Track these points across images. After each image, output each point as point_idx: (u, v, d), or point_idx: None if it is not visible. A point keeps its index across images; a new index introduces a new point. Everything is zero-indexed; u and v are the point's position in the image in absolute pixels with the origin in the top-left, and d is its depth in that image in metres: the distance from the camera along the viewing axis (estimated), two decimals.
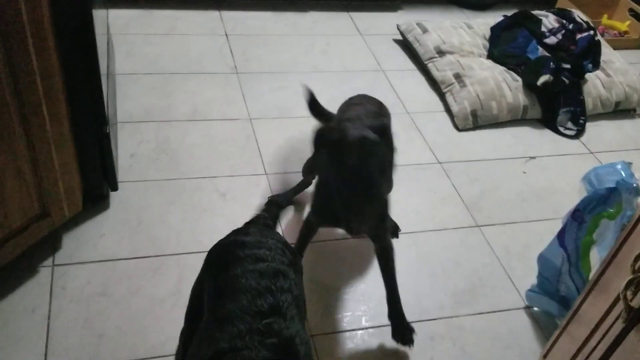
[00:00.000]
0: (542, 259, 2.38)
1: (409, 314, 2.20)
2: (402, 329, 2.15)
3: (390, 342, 2.19)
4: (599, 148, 3.55)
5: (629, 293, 1.20)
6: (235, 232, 1.72)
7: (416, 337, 2.16)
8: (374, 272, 2.39)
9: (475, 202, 2.97)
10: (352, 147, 1.81)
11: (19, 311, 2.13)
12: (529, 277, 2.51)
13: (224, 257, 1.59)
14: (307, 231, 2.28)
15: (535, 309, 2.47)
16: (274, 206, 2.03)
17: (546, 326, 2.39)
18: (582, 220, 2.19)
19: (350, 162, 1.82)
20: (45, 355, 2.02)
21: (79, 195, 2.33)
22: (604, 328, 1.53)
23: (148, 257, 2.42)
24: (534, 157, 3.37)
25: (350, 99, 2.47)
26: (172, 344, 2.07)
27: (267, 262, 1.53)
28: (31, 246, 2.19)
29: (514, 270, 2.64)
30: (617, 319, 1.44)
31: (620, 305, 1.44)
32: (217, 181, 2.82)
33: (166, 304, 2.25)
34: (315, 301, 2.34)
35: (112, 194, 2.63)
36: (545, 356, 1.98)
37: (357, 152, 1.81)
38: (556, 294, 2.33)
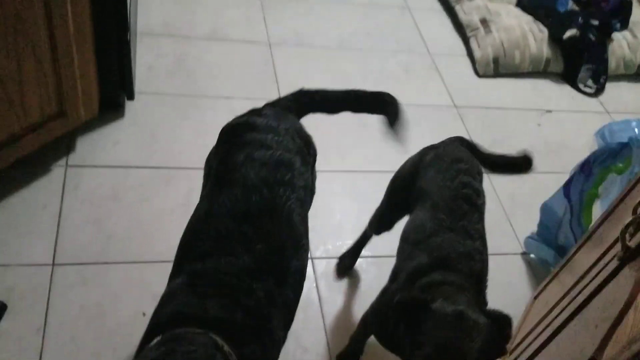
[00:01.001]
0: (545, 208, 2.42)
1: None
2: None
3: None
4: (616, 109, 3.52)
5: (627, 234, 1.23)
6: (250, 112, 1.60)
7: None
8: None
9: (487, 149, 2.98)
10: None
11: (31, 206, 2.19)
12: (530, 225, 2.55)
13: (232, 140, 1.49)
14: None
15: (532, 256, 2.52)
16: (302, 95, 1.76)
17: (540, 273, 2.44)
18: (589, 172, 2.21)
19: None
20: (55, 250, 2.10)
21: (96, 100, 2.35)
22: (590, 276, 1.58)
23: (159, 167, 2.47)
24: (550, 111, 3.36)
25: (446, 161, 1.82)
26: None
27: (272, 149, 1.41)
28: (46, 145, 2.23)
29: (516, 218, 2.68)
30: (605, 266, 1.48)
31: (610, 255, 1.49)
32: (232, 102, 2.83)
33: (174, 214, 2.31)
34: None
35: (128, 104, 2.65)
36: (535, 298, 2.04)
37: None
38: (554, 242, 2.37)
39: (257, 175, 1.36)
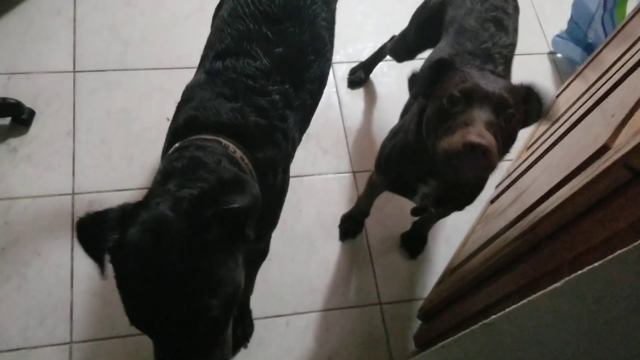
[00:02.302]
0: (578, 3, 2.29)
1: None
2: None
3: None
4: None
5: None
6: None
7: None
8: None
9: None
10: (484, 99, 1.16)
11: (44, 11, 2.16)
12: (559, 23, 2.43)
13: None
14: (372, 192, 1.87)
15: (559, 55, 2.44)
16: None
17: (565, 73, 2.39)
18: None
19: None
20: (74, 57, 2.10)
21: None
22: (614, 69, 1.53)
23: None
24: None
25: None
26: (197, 57, 2.13)
27: None
28: None
29: (545, 15, 2.55)
30: (630, 58, 1.43)
31: (636, 47, 1.42)
32: None
33: (191, 19, 2.26)
34: None
35: None
36: (558, 96, 2.02)
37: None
38: (583, 40, 2.28)
39: None
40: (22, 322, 1.69)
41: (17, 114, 1.92)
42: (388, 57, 2.27)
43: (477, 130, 1.08)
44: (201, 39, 2.02)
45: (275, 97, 1.24)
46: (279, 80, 1.25)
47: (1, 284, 1.72)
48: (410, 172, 1.43)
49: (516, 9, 1.65)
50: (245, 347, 1.76)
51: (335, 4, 1.50)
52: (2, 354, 1.65)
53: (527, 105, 1.23)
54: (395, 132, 1.55)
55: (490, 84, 1.17)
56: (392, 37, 2.12)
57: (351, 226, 2.00)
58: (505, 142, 1.19)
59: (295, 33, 1.28)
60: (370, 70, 2.30)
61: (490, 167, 1.11)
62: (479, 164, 1.08)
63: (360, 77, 2.30)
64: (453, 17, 1.60)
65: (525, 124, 1.25)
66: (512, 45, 1.56)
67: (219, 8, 1.70)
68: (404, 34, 1.95)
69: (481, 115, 1.13)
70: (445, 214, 1.78)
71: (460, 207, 1.54)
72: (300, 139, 1.42)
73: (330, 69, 2.32)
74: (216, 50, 1.30)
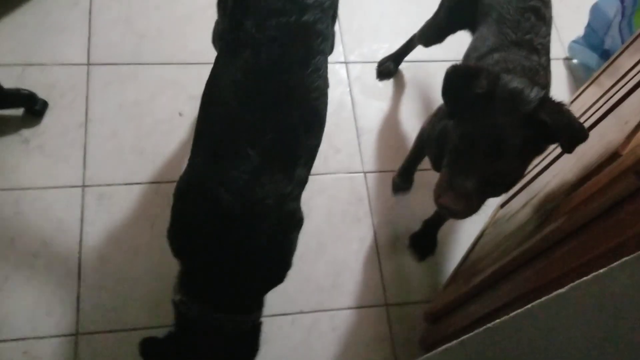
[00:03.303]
0: (596, 9, 2.27)
1: None
2: None
3: None
4: None
5: None
6: None
7: None
8: None
9: None
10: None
11: (61, 3, 2.17)
12: (576, 29, 2.41)
13: None
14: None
15: (575, 61, 2.42)
16: None
17: (580, 79, 2.37)
18: None
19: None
20: (89, 48, 2.11)
21: None
22: (630, 76, 1.52)
23: None
24: None
25: None
26: (211, 53, 2.13)
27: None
28: None
29: (562, 21, 2.52)
30: None
31: None
32: None
33: (206, 14, 2.24)
34: None
35: None
36: (572, 102, 2.00)
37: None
38: (600, 47, 2.26)
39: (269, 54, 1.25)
40: (30, 312, 1.70)
41: (31, 105, 1.94)
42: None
43: (456, 194, 1.25)
44: None
45: (269, 202, 1.21)
46: (269, 179, 1.21)
47: (10, 274, 1.74)
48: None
49: None
50: None
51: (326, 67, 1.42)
52: (9, 342, 1.66)
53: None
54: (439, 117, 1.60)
55: (502, 123, 1.20)
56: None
57: (401, 182, 2.02)
58: (507, 179, 1.30)
59: (287, 116, 1.24)
60: (399, 62, 2.30)
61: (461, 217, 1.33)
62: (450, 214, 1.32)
63: (389, 68, 2.29)
64: (490, 3, 1.60)
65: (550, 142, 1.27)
66: (549, 34, 1.57)
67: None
68: (434, 16, 1.94)
69: (474, 171, 1.23)
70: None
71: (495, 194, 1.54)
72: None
73: (345, 69, 2.33)
74: (203, 151, 1.26)
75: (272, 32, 1.25)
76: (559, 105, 1.21)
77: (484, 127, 1.21)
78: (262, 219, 1.20)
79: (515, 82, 1.23)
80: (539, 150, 1.27)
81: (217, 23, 1.65)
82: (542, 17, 1.54)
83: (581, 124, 1.21)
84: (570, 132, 1.18)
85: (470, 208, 1.27)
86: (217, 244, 1.20)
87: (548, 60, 1.53)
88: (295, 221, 1.31)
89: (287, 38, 1.26)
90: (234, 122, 1.23)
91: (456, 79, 1.28)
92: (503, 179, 1.28)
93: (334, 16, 1.50)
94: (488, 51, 1.51)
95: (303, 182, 1.31)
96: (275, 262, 1.29)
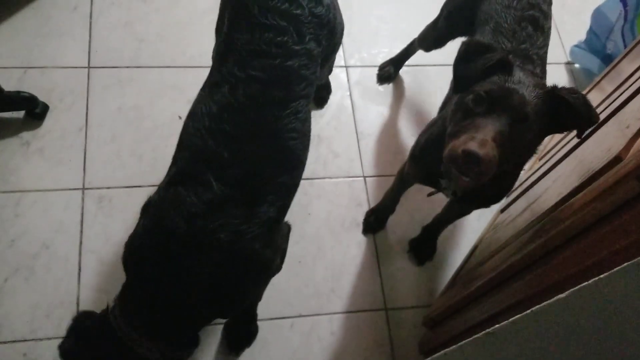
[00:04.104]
0: (597, 14, 2.27)
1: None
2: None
3: None
4: None
5: None
6: None
7: None
8: None
9: None
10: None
11: (61, 7, 2.17)
12: (578, 34, 2.41)
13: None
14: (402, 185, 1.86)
15: (577, 65, 2.42)
16: None
17: (582, 84, 2.36)
18: None
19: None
20: (89, 52, 2.11)
21: None
22: (631, 80, 1.52)
23: None
24: None
25: None
26: (209, 57, 2.13)
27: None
28: None
29: (564, 25, 2.53)
30: None
31: None
32: None
33: (206, 18, 2.26)
34: None
35: None
36: None
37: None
38: (602, 51, 2.26)
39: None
40: (29, 314, 1.70)
41: (31, 107, 1.94)
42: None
43: (481, 139, 1.12)
44: (214, 39, 2.03)
45: (221, 236, 1.17)
46: (231, 212, 1.18)
47: (9, 276, 1.73)
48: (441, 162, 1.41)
49: (549, 3, 1.63)
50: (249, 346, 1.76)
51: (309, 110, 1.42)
52: (9, 344, 1.66)
53: (565, 115, 1.19)
54: (432, 124, 1.56)
55: (523, 90, 1.16)
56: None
57: (375, 222, 2.00)
58: (520, 152, 1.22)
59: (258, 153, 1.23)
60: (400, 67, 2.29)
61: (483, 175, 1.14)
62: (472, 171, 1.13)
63: (389, 72, 2.29)
64: (488, 11, 1.59)
65: (562, 129, 1.25)
66: (546, 45, 1.55)
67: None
68: (434, 21, 1.94)
69: (495, 124, 1.14)
70: (468, 210, 1.78)
71: (486, 204, 1.54)
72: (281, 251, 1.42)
73: (345, 73, 2.33)
74: (171, 173, 1.26)
75: (253, 71, 1.25)
76: (573, 89, 1.20)
77: (506, 89, 1.17)
78: (209, 252, 1.17)
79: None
80: (550, 131, 1.23)
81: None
82: (540, 27, 1.53)
83: (593, 107, 1.18)
84: (588, 112, 1.16)
85: (494, 158, 1.12)
86: (160, 266, 1.18)
87: (544, 71, 1.51)
88: (257, 263, 1.25)
89: (267, 79, 1.25)
90: (203, 151, 1.21)
91: (473, 48, 1.26)
92: (516, 152, 1.19)
93: (336, 45, 1.51)
94: None
95: (269, 222, 1.25)
96: (216, 299, 1.22)
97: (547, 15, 1.58)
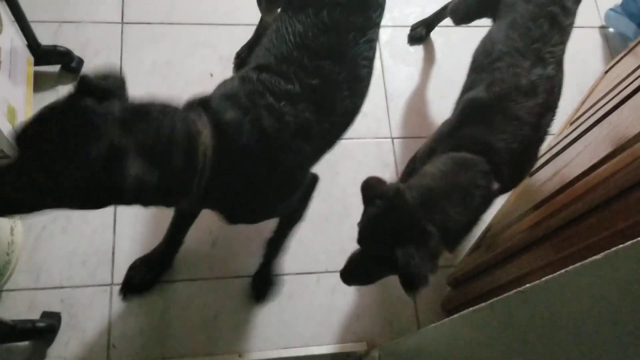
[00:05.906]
0: None
1: None
2: None
3: None
4: None
5: None
6: None
7: None
8: None
9: None
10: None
11: None
12: None
13: None
14: None
15: (611, 30, 2.37)
16: None
17: (616, 48, 2.33)
18: None
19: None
20: (122, 7, 2.13)
21: None
22: None
23: None
24: None
25: None
26: (242, 14, 2.13)
27: None
28: None
29: None
30: None
31: None
32: None
33: None
34: None
35: None
36: (606, 72, 1.98)
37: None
38: (638, 15, 2.22)
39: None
40: (66, 261, 1.76)
41: (67, 62, 1.97)
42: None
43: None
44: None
45: (289, 119, 1.24)
46: (301, 109, 1.26)
47: (47, 224, 1.79)
48: None
49: (576, 1, 1.56)
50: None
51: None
52: (46, 290, 1.72)
53: None
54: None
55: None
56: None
57: None
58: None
59: (334, 71, 1.31)
60: (432, 28, 2.27)
61: None
62: None
63: (421, 33, 2.27)
64: (512, 3, 1.54)
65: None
66: (564, 43, 1.50)
67: None
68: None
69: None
70: None
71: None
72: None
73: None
74: (257, 63, 1.33)
75: None
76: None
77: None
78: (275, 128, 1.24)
79: None
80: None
81: None
82: (557, 23, 1.47)
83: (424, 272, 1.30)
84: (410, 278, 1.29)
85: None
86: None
87: (558, 69, 1.45)
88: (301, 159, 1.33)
89: (348, 3, 1.32)
90: (288, 58, 1.30)
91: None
92: None
93: None
94: (491, 61, 1.47)
95: (326, 138, 1.36)
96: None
97: (569, 12, 1.51)
